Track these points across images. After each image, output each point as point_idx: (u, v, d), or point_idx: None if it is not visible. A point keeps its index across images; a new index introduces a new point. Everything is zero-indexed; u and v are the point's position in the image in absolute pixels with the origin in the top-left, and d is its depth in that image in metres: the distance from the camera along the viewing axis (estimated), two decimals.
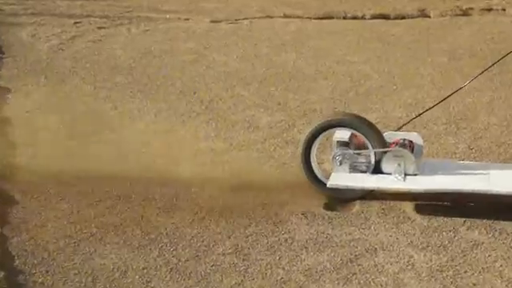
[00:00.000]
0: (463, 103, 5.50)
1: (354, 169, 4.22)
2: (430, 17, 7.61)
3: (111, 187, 4.35)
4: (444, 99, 4.59)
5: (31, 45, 6.75)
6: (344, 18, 7.60)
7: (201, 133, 5.09)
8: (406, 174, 4.15)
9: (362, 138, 4.22)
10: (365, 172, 4.20)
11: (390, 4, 7.93)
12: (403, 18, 7.59)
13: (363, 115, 5.11)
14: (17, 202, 4.21)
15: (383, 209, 4.14)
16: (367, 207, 4.14)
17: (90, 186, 4.36)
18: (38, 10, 7.71)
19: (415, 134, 4.38)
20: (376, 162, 4.19)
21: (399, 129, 4.47)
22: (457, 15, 7.60)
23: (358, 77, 6.04)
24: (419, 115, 4.63)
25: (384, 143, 4.21)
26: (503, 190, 4.02)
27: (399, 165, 4.15)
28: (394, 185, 4.13)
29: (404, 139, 4.26)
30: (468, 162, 4.49)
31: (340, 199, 4.19)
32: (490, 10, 7.68)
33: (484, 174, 4.16)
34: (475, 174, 4.18)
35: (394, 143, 4.23)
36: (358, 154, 4.20)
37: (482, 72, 4.66)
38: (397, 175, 4.14)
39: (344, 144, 4.21)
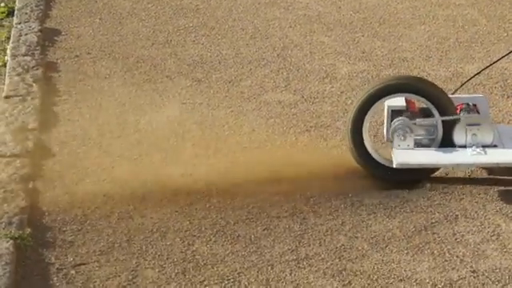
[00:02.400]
0: None
1: (417, 144, 4.16)
2: None
3: (159, 140, 4.49)
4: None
5: None
6: None
7: (269, 83, 5.20)
8: (484, 146, 4.11)
9: (421, 103, 4.18)
10: (429, 146, 4.16)
11: None
12: None
13: (460, 65, 5.18)
14: (54, 153, 4.41)
15: (472, 171, 4.19)
16: (452, 170, 4.20)
17: (135, 138, 4.52)
18: None
19: (481, 96, 4.36)
20: (444, 132, 4.14)
21: (456, 90, 4.44)
22: None
23: (463, 22, 6.03)
24: (481, 71, 4.58)
25: (453, 109, 4.15)
26: None
27: (474, 135, 4.11)
28: (473, 159, 4.07)
29: (468, 103, 4.20)
30: None
31: (401, 182, 4.14)
32: None
33: None
34: None
35: (457, 108, 4.17)
36: (425, 124, 4.14)
37: None
38: (474, 148, 4.09)
39: (401, 112, 4.15)
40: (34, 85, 5.10)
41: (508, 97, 4.98)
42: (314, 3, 6.42)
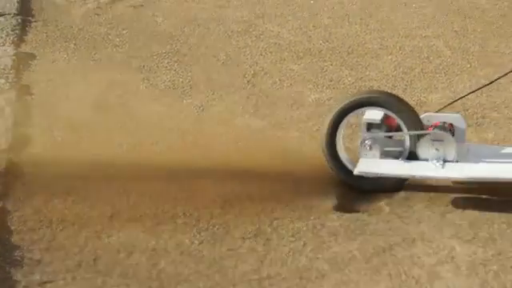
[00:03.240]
0: None
1: (385, 155, 4.31)
2: None
3: (128, 163, 4.57)
4: (495, 80, 4.70)
5: (65, 8, 7.02)
6: None
7: (238, 108, 5.29)
8: (445, 161, 4.22)
9: (395, 119, 4.30)
10: (397, 158, 4.30)
11: None
12: None
13: (424, 94, 5.28)
14: (23, 173, 4.45)
15: (430, 197, 4.27)
16: (411, 195, 4.28)
17: (105, 161, 4.59)
18: None
19: (457, 115, 4.45)
20: (411, 146, 4.28)
21: (439, 110, 4.54)
22: None
23: (428, 53, 6.16)
24: (463, 97, 4.76)
25: (421, 125, 4.29)
26: None
27: (437, 150, 4.23)
28: (431, 172, 4.22)
29: (444, 122, 4.32)
30: None
31: (367, 191, 4.31)
32: None
33: None
34: None
35: (432, 126, 4.29)
36: (390, 137, 4.30)
37: None
38: (435, 161, 4.22)
39: (375, 126, 4.30)
40: (7, 106, 5.17)
41: (468, 126, 5.06)
42: (285, 32, 6.54)
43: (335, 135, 4.36)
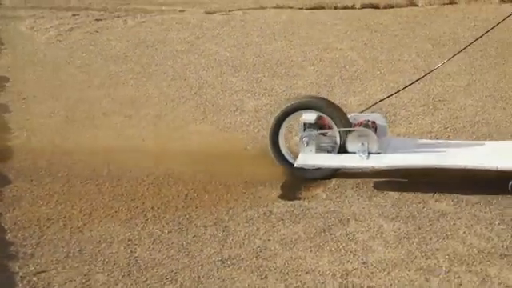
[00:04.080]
0: (442, 86, 5.74)
1: (320, 149, 4.37)
2: (417, 5, 7.83)
3: (101, 167, 4.55)
4: (406, 86, 4.85)
5: (30, 36, 6.97)
6: (335, 8, 7.83)
7: (189, 116, 5.29)
8: (369, 153, 4.30)
9: (327, 119, 4.37)
10: (330, 152, 4.37)
11: None
12: (392, 7, 7.82)
13: (344, 98, 5.36)
14: (10, 181, 4.40)
15: (358, 183, 4.33)
16: (343, 182, 4.33)
17: (82, 165, 4.58)
18: (37, 4, 7.93)
19: (378, 114, 4.55)
20: (341, 141, 4.35)
21: (363, 111, 4.63)
22: (444, 4, 7.82)
23: (344, 63, 6.26)
24: (382, 100, 4.82)
25: (349, 124, 4.37)
26: (458, 163, 4.24)
27: (363, 144, 4.30)
28: (358, 163, 4.29)
29: (368, 120, 4.41)
30: (429, 140, 4.71)
31: (308, 179, 4.36)
32: None
33: (442, 151, 4.36)
34: (434, 150, 4.38)
35: (358, 124, 4.38)
36: (324, 134, 4.36)
37: (444, 63, 4.94)
38: (361, 154, 4.29)
39: (311, 126, 4.35)
40: None
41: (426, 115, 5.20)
42: (222, 50, 6.59)
43: (278, 134, 4.41)
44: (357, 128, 4.35)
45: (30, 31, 7.08)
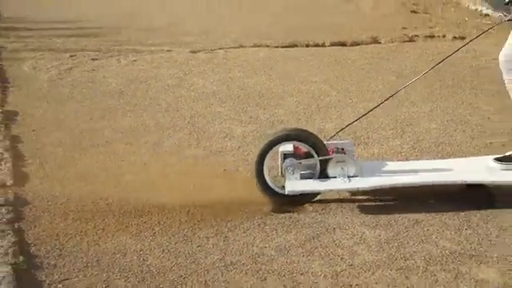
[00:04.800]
0: (408, 112, 5.93)
1: (303, 176, 4.37)
2: (380, 43, 8.05)
3: (109, 188, 4.64)
4: (370, 111, 4.91)
5: (33, 76, 7.02)
6: (307, 45, 8.01)
7: (184, 142, 5.40)
8: (349, 176, 4.35)
9: (304, 148, 4.38)
10: (311, 178, 4.38)
11: (346, 33, 8.38)
12: (358, 44, 8.03)
13: (322, 124, 5.52)
14: (28, 202, 4.48)
15: (340, 198, 4.48)
16: (325, 196, 4.45)
17: (92, 187, 4.67)
18: (36, 47, 8.00)
19: (348, 141, 4.62)
20: (321, 168, 4.38)
21: (331, 138, 4.65)
22: (404, 41, 8.06)
23: (319, 94, 6.43)
24: (348, 125, 4.87)
25: (327, 151, 4.39)
26: (427, 180, 4.40)
27: (342, 168, 4.36)
28: (342, 186, 4.34)
29: (337, 147, 4.45)
30: (398, 161, 4.82)
31: (293, 204, 4.36)
32: (432, 36, 8.16)
33: (412, 170, 4.49)
34: (405, 170, 4.50)
35: (330, 151, 4.41)
36: (307, 163, 4.37)
37: (404, 87, 5.06)
38: (342, 178, 4.34)
39: (290, 155, 4.36)
40: (5, 153, 5.18)
41: (358, 144, 5.33)
42: (209, 84, 6.73)
43: (263, 165, 4.39)
44: (337, 155, 4.38)
45: (33, 71, 7.16)
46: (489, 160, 4.56)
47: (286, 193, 4.31)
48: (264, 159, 4.40)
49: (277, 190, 4.41)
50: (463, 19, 8.86)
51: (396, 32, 8.33)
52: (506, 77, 4.42)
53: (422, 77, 4.96)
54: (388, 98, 4.91)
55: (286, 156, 4.37)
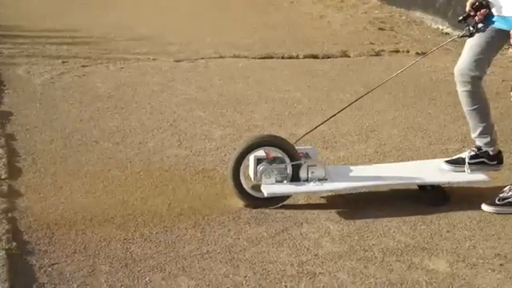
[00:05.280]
0: (373, 120, 6.06)
1: (277, 180, 4.37)
2: (350, 56, 8.18)
3: (96, 183, 4.74)
4: (332, 116, 4.90)
5: (27, 79, 7.04)
6: (282, 57, 8.09)
7: (166, 143, 5.49)
8: (319, 179, 4.38)
9: (273, 153, 4.38)
10: (282, 181, 4.39)
11: (318, 47, 8.50)
12: (329, 57, 8.13)
13: (294, 129, 5.62)
14: (22, 194, 4.55)
15: (309, 196, 4.58)
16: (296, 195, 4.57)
17: (81, 182, 4.77)
18: (30, 53, 8.01)
19: (312, 147, 4.65)
20: (293, 172, 4.39)
21: (297, 141, 4.61)
22: (371, 55, 8.19)
23: (292, 101, 6.54)
24: (313, 129, 4.86)
25: (298, 156, 4.41)
26: (388, 182, 4.52)
27: (313, 172, 4.38)
28: (314, 188, 4.37)
29: (302, 152, 4.47)
30: (361, 165, 4.87)
31: (264, 207, 4.38)
32: (397, 51, 8.29)
33: (374, 173, 4.60)
34: (369, 173, 4.60)
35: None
36: (282, 167, 4.37)
37: (362, 96, 5.10)
38: (314, 181, 4.36)
39: (263, 160, 4.36)
40: (0, 149, 5.22)
41: (326, 148, 5.45)
42: (190, 90, 6.81)
43: (239, 170, 4.40)
44: (308, 160, 4.42)
45: (27, 75, 7.17)
46: (441, 163, 4.70)
47: (266, 195, 4.29)
48: (240, 165, 4.38)
49: (253, 193, 4.42)
50: (426, 37, 9.02)
51: (364, 47, 8.45)
52: (459, 88, 4.56)
53: (382, 85, 5.08)
54: (350, 104, 5.01)
55: (259, 161, 4.37)
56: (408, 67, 5.06)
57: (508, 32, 4.24)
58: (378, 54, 8.20)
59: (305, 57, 8.09)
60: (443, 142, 5.51)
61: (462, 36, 4.51)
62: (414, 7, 10.30)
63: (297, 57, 8.08)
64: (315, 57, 8.10)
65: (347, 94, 6.64)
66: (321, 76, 7.37)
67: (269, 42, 8.65)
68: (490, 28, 4.40)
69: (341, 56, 8.16)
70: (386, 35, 9.20)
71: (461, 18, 4.46)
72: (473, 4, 4.40)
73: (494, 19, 4.38)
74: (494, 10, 4.37)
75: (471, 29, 4.40)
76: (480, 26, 4.39)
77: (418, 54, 8.20)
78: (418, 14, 10.12)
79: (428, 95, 6.71)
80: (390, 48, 8.39)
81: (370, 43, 8.70)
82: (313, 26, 9.69)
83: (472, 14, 4.39)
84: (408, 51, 8.22)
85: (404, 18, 10.21)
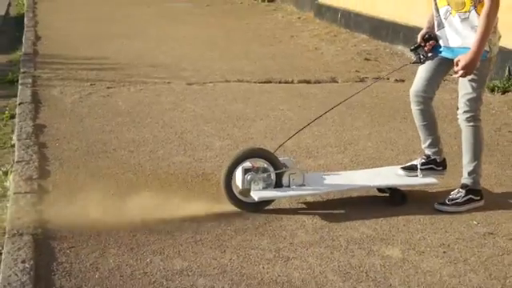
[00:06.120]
0: (351, 134, 6.26)
1: (263, 187, 4.41)
2: (338, 82, 8.40)
3: (112, 184, 4.91)
4: (304, 127, 5.04)
5: (60, 99, 7.30)
6: (279, 82, 8.31)
7: (173, 151, 5.69)
8: (299, 185, 4.45)
9: (258, 163, 4.43)
10: (267, 188, 4.43)
11: (311, 73, 8.74)
12: (320, 82, 8.36)
13: (278, 144, 5.73)
14: (49, 191, 4.73)
15: (291, 198, 4.72)
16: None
17: (99, 182, 4.94)
18: (64, 77, 8.30)
19: (288, 158, 4.72)
20: (276, 179, 4.46)
21: (276, 150, 4.66)
22: (356, 81, 8.40)
23: (284, 118, 6.74)
24: (286, 141, 4.94)
25: (281, 165, 4.48)
26: (357, 184, 4.67)
27: (293, 179, 4.45)
28: (296, 192, 4.47)
29: (283, 162, 4.53)
30: (333, 172, 4.96)
31: (252, 210, 4.44)
32: (378, 78, 8.52)
33: (345, 178, 4.75)
34: (340, 179, 4.72)
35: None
36: (268, 175, 4.44)
37: (328, 110, 5.29)
38: (295, 186, 4.45)
39: (250, 170, 4.40)
40: (34, 155, 5.45)
41: (309, 157, 5.63)
42: (198, 109, 7.01)
43: (231, 178, 4.45)
44: (290, 169, 4.49)
45: (60, 95, 7.43)
46: (397, 169, 4.90)
47: (257, 200, 4.36)
48: (232, 174, 4.43)
49: (243, 199, 4.48)
50: (405, 66, 9.18)
51: (350, 74, 8.67)
52: (413, 107, 4.78)
53: (342, 102, 5.36)
54: (321, 116, 5.19)
55: (246, 171, 4.40)
56: (361, 91, 5.38)
57: (453, 60, 4.45)
58: (362, 80, 8.41)
59: (299, 82, 8.31)
60: (409, 154, 5.69)
61: (413, 62, 4.74)
62: (396, 41, 10.54)
63: (292, 82, 8.30)
64: (308, 82, 8.32)
65: (332, 113, 6.77)
66: (311, 98, 7.57)
67: (269, 69, 8.90)
68: (438, 57, 4.62)
69: (330, 82, 8.38)
70: (370, 65, 9.42)
71: (412, 47, 4.70)
72: (423, 36, 4.64)
73: (440, 49, 4.61)
74: (440, 42, 4.60)
75: (422, 57, 4.62)
76: (429, 54, 4.61)
77: (396, 80, 8.39)
78: (399, 47, 10.35)
79: (401, 115, 6.91)
80: (373, 75, 8.61)
81: (356, 71, 8.93)
82: (308, 57, 9.93)
83: (422, 44, 4.63)
84: (388, 78, 8.40)
85: (388, 50, 10.45)
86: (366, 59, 9.71)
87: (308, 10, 14.15)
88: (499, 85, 7.91)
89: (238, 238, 4.17)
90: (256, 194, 4.39)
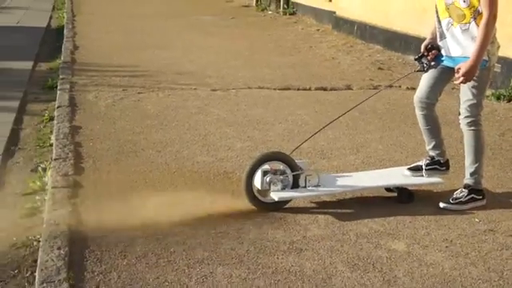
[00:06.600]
0: (364, 138, 6.27)
1: (282, 187, 4.38)
2: (352, 89, 8.43)
3: (141, 180, 4.99)
4: (319, 131, 5.10)
5: (94, 103, 7.40)
6: (297, 89, 8.35)
7: (197, 152, 5.75)
8: (315, 186, 4.43)
9: (276, 165, 4.38)
10: (285, 189, 4.40)
11: (328, 81, 8.77)
12: (335, 89, 8.39)
13: (294, 147, 5.71)
14: (83, 186, 4.84)
15: (295, 201, 4.67)
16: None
17: (128, 179, 5.02)
18: (99, 83, 8.41)
19: (303, 161, 4.66)
20: (294, 180, 4.44)
21: (292, 152, 4.64)
22: (369, 89, 8.42)
23: (301, 122, 6.76)
24: (302, 143, 4.95)
25: (297, 167, 4.45)
26: (367, 184, 4.69)
27: (309, 180, 4.43)
28: (312, 193, 4.44)
29: (299, 165, 4.45)
30: (345, 173, 4.92)
31: (270, 210, 4.42)
32: (391, 86, 8.52)
33: (356, 179, 4.74)
34: (351, 179, 4.72)
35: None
36: (286, 176, 4.39)
37: (342, 115, 5.29)
38: (311, 187, 4.42)
39: (268, 172, 4.37)
40: (70, 153, 5.57)
41: (324, 158, 5.67)
42: (221, 113, 7.06)
43: (252, 180, 4.41)
44: (306, 171, 4.47)
45: (95, 99, 7.54)
46: (404, 170, 4.93)
47: (277, 200, 4.33)
48: (253, 176, 4.39)
49: (262, 199, 4.46)
50: (416, 75, 9.18)
51: (364, 82, 8.69)
52: (417, 112, 4.81)
53: (349, 111, 5.30)
54: (335, 120, 5.22)
55: (265, 173, 4.37)
56: (371, 96, 5.39)
57: (454, 68, 4.48)
58: (375, 88, 8.41)
59: (316, 89, 8.34)
60: (417, 156, 5.69)
61: (417, 71, 4.78)
62: (408, 52, 10.54)
63: (309, 89, 8.33)
64: (324, 89, 8.35)
65: (346, 118, 6.82)
66: (327, 104, 7.59)
67: (288, 77, 8.94)
68: (440, 65, 4.66)
69: (345, 89, 8.39)
70: (383, 73, 9.43)
71: (416, 56, 4.73)
72: (426, 46, 4.68)
73: (443, 58, 4.65)
74: (442, 51, 4.63)
75: (425, 65, 4.66)
76: (432, 63, 4.65)
77: (407, 88, 8.39)
78: (411, 57, 10.31)
79: (411, 120, 6.88)
80: (385, 83, 8.59)
81: (370, 79, 8.94)
82: (325, 66, 9.96)
83: (425, 54, 4.66)
84: (400, 86, 8.41)
85: (400, 60, 10.46)
86: (380, 68, 9.72)
87: (326, 23, 14.19)
88: (505, 93, 8.00)
89: (255, 231, 4.22)
90: (276, 195, 4.37)
